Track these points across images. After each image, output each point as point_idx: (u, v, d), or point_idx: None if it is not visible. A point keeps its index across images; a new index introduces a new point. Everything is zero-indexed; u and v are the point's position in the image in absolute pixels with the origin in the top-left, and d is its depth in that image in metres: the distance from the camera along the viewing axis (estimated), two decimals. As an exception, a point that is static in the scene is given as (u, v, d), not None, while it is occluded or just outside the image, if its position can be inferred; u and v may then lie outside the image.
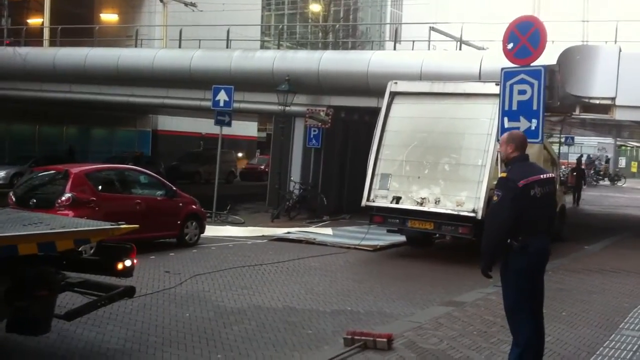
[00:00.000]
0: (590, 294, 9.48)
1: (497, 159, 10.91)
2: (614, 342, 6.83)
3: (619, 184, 46.12)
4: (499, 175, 5.59)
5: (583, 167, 33.56)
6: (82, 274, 6.41)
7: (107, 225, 6.11)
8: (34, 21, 35.96)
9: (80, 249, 6.42)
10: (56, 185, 12.04)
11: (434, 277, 11.25)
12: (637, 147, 63.08)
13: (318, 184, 20.29)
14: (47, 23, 31.66)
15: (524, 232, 5.24)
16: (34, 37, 29.93)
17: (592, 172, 44.97)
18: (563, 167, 32.06)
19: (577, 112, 15.92)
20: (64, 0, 33.47)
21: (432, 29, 25.19)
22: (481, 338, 6.93)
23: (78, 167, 12.67)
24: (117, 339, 6.96)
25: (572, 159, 39.23)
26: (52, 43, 27.97)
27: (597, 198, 32.07)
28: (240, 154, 39.96)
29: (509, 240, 5.26)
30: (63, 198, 11.38)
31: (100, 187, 12.22)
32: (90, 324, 7.25)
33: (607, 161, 51.85)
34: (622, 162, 60.93)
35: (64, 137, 34.39)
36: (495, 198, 5.33)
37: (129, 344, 6.82)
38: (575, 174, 28.48)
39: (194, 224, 13.64)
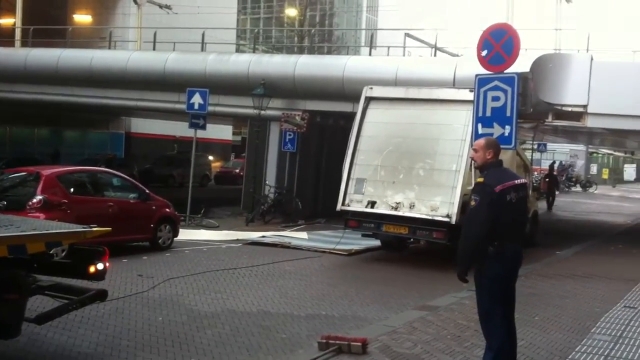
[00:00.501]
0: (563, 299, 9.58)
1: (470, 165, 10.98)
2: (585, 347, 6.90)
3: (591, 190, 46.70)
4: (476, 181, 5.64)
5: (555, 173, 33.92)
6: (53, 277, 6.32)
7: (79, 228, 6.03)
8: (5, 21, 35.45)
9: (51, 252, 6.33)
10: (27, 187, 11.87)
11: (409, 281, 11.29)
12: (608, 154, 64.01)
13: (293, 188, 20.26)
14: (19, 23, 31.24)
15: (499, 237, 5.30)
16: (5, 38, 29.50)
17: (564, 178, 45.48)
18: (535, 173, 32.38)
19: (550, 119, 16.09)
20: (36, 1, 33.06)
21: (407, 35, 25.36)
22: (455, 342, 6.97)
23: (50, 169, 12.52)
24: (88, 343, 6.87)
25: (545, 165, 39.60)
26: (24, 44, 27.57)
27: (569, 204, 32.45)
28: (211, 157, 39.71)
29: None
30: (34, 200, 11.23)
31: (72, 190, 12.09)
32: (62, 328, 7.15)
33: (571, 167, 52.38)
34: (594, 169, 61.75)
35: (36, 138, 33.96)
36: (472, 203, 5.36)
37: (100, 348, 6.74)
38: (547, 180, 28.77)
39: (167, 227, 13.55)
